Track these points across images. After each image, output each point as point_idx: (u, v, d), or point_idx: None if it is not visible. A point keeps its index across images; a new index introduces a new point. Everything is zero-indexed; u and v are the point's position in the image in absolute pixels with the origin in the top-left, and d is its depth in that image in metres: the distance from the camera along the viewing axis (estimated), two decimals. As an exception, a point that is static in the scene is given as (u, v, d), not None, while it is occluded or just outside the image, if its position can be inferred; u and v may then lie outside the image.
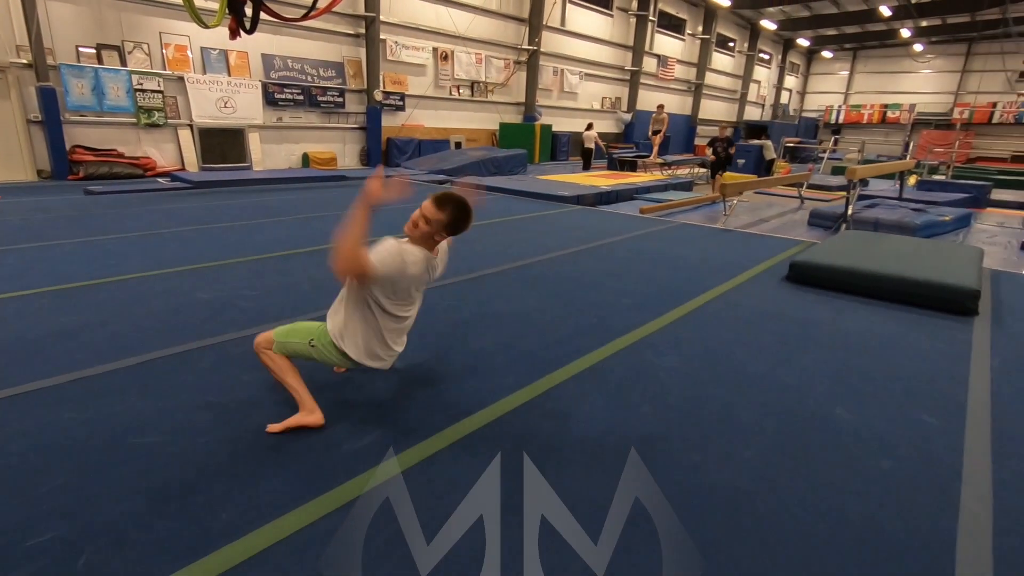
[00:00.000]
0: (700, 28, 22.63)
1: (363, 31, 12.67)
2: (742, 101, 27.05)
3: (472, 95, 15.64)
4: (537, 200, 8.76)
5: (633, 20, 19.63)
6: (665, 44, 21.48)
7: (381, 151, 13.57)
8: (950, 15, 21.57)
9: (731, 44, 25.36)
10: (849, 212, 7.24)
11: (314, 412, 2.19)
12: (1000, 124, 25.03)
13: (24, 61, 8.67)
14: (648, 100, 20.54)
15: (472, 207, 2.12)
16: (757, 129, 23.16)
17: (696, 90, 23.61)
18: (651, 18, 19.87)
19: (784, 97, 30.89)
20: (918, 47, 26.68)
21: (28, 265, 4.31)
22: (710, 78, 24.00)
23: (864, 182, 9.93)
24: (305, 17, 8.02)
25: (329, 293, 3.08)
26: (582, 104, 19.05)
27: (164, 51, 10.14)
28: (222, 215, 6.63)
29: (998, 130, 25.21)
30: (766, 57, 28.29)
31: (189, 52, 10.42)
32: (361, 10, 12.47)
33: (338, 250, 1.86)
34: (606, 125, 19.94)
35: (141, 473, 1.90)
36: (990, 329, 3.69)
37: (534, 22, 15.99)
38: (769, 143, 13.94)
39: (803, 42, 27.80)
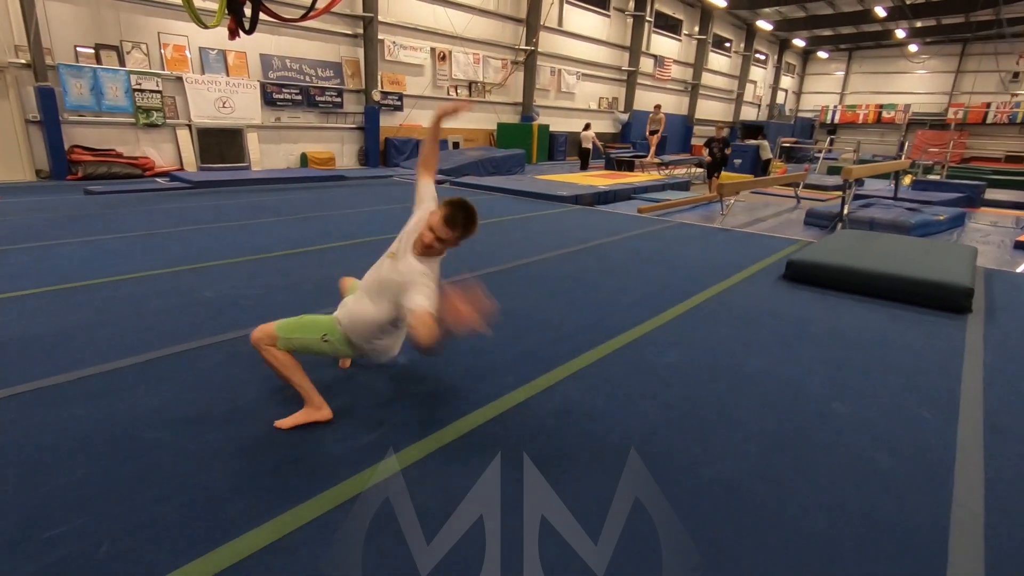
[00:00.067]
0: (696, 28, 22.68)
1: (361, 31, 12.69)
2: (738, 101, 27.13)
3: (470, 95, 15.66)
4: (535, 200, 8.78)
5: (630, 20, 19.68)
6: (662, 44, 21.53)
7: (379, 151, 13.58)
8: (945, 16, 21.69)
9: (727, 44, 25.43)
10: (845, 211, 7.30)
11: (322, 408, 2.21)
12: (994, 124, 25.14)
13: (23, 61, 8.66)
14: (645, 100, 20.59)
15: (477, 216, 2.13)
16: (753, 129, 23.30)
17: (692, 90, 23.67)
18: (648, 18, 19.92)
19: (780, 97, 30.95)
20: (913, 48, 26.77)
21: (28, 265, 4.32)
22: (706, 78, 24.06)
23: (860, 182, 10.00)
24: (304, 17, 8.02)
25: (330, 292, 3.10)
26: (579, 104, 19.08)
27: (163, 51, 10.13)
28: (221, 215, 6.65)
29: (992, 130, 25.34)
30: (762, 57, 28.37)
31: (187, 52, 10.41)
32: (359, 10, 12.48)
33: (424, 334, 1.83)
34: (603, 125, 19.98)
35: (150, 469, 1.93)
36: (983, 326, 3.75)
37: (531, 22, 16.02)
38: (765, 143, 14.02)
39: (799, 42, 27.87)
